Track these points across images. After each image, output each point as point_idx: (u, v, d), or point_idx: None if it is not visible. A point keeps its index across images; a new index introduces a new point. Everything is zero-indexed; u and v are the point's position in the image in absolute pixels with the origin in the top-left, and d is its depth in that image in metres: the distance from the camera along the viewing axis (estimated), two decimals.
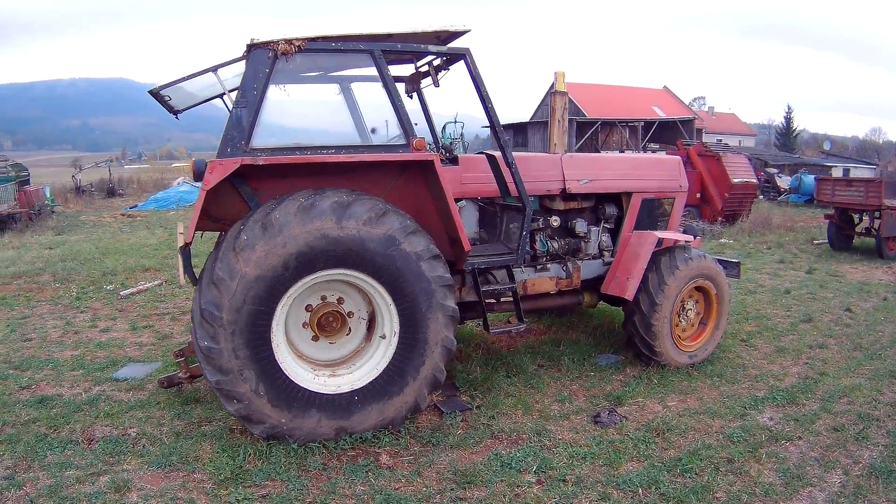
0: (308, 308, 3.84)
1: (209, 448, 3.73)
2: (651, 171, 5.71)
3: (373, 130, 4.40)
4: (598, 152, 35.46)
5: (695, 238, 5.85)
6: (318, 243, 3.48)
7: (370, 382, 3.76)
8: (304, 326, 3.87)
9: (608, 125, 32.86)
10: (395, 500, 3.22)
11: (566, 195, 5.21)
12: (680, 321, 5.26)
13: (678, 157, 6.29)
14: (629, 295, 4.91)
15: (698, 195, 14.06)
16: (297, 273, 3.50)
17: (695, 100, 52.52)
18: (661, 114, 36.03)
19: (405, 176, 4.20)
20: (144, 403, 4.42)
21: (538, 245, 5.15)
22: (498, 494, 3.29)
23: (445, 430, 3.99)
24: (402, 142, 3.92)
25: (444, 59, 4.47)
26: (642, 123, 31.13)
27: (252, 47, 3.73)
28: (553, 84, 5.90)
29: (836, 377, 4.99)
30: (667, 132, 30.51)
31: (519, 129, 35.98)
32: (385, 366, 3.78)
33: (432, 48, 4.12)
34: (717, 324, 5.40)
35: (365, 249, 3.57)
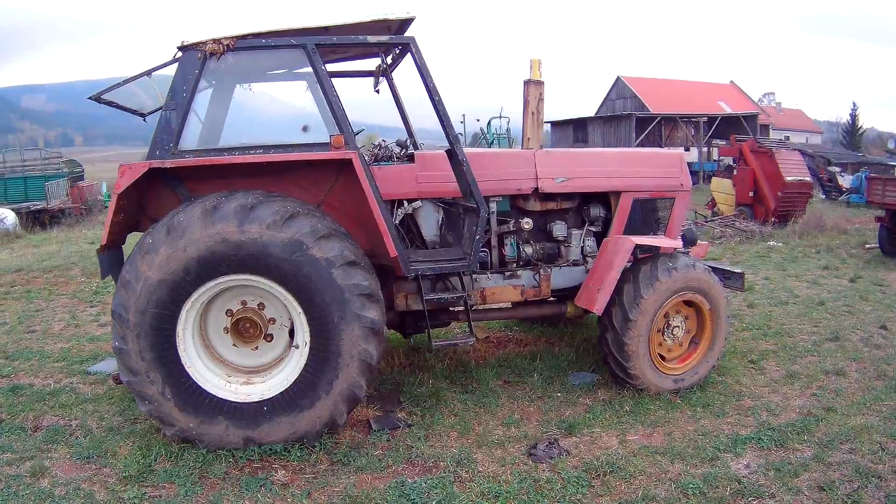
0: (228, 313, 3.77)
1: (129, 445, 3.76)
2: (644, 167, 5.11)
3: (304, 128, 4.24)
4: (662, 148, 34.39)
5: (693, 244, 5.19)
6: (219, 248, 3.38)
7: (280, 393, 3.61)
8: (224, 331, 3.80)
9: (670, 120, 31.43)
10: None
11: (542, 195, 4.79)
12: (664, 340, 4.67)
13: (680, 151, 5.61)
14: (597, 309, 4.41)
15: (751, 194, 13.16)
16: (200, 278, 3.42)
17: (764, 95, 49.87)
18: (727, 109, 34.11)
19: (345, 176, 4.01)
20: (99, 398, 4.56)
21: (507, 250, 4.78)
22: None
23: (365, 448, 3.76)
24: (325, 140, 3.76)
25: (397, 50, 4.25)
26: (705, 119, 29.33)
27: (182, 49, 3.70)
28: (535, 75, 5.42)
29: (845, 414, 4.21)
30: (731, 128, 29.01)
31: (579, 125, 35.00)
32: (296, 377, 3.61)
33: (371, 39, 3.90)
34: (712, 344, 4.74)
35: (268, 255, 3.42)
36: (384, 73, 4.66)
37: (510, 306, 5.19)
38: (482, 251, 4.67)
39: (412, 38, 3.91)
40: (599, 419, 4.16)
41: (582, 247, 4.97)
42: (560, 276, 4.88)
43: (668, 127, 31.47)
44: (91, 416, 4.24)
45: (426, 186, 4.51)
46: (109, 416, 4.24)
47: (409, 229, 4.66)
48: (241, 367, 3.82)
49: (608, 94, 38.09)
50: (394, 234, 3.84)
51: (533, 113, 4.82)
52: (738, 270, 5.15)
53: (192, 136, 3.93)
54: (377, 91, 4.93)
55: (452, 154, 4.42)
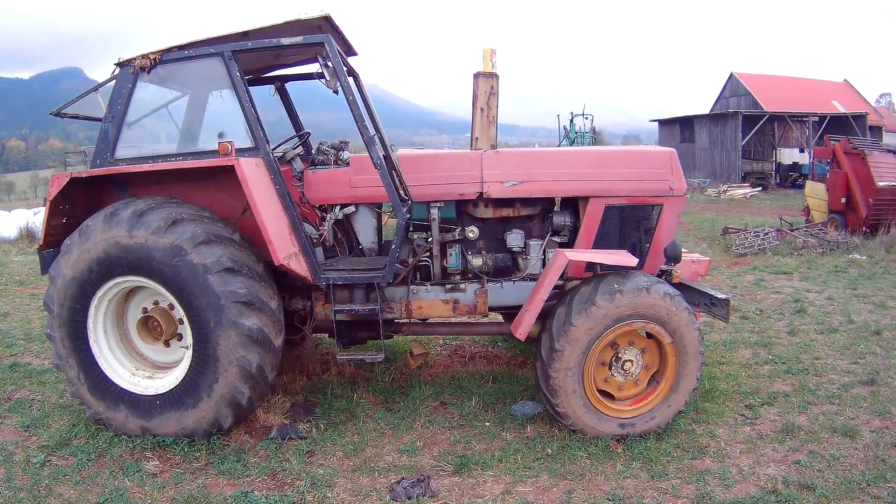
0: (144, 311, 4.09)
1: (64, 421, 4.23)
2: (620, 168, 4.41)
3: (220, 135, 4.40)
4: (775, 148, 30.19)
5: (675, 261, 4.30)
6: (112, 250, 3.67)
7: (170, 390, 3.81)
8: (136, 328, 4.12)
9: (777, 119, 28.78)
10: None
11: (497, 201, 4.39)
12: (612, 375, 3.97)
13: (670, 149, 4.67)
14: (520, 333, 3.88)
15: (843, 200, 11.66)
16: (101, 278, 3.75)
17: (881, 96, 45.50)
18: (841, 109, 30.65)
19: None
20: None
21: (450, 260, 4.46)
22: None
23: (246, 454, 3.79)
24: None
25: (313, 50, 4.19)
26: (815, 118, 26.60)
27: (118, 65, 4.11)
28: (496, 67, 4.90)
29: (824, 496, 3.20)
30: (842, 129, 25.47)
31: (685, 124, 32.81)
32: (183, 377, 3.79)
33: (285, 41, 3.91)
34: (675, 385, 3.94)
35: (151, 259, 3.63)
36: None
37: (454, 320, 4.83)
38: (424, 261, 4.44)
39: (326, 37, 3.85)
40: (505, 460, 3.69)
41: (544, 259, 4.45)
42: (512, 292, 4.42)
43: (781, 126, 29.08)
44: (55, 393, 4.74)
45: (361, 191, 4.41)
46: (69, 396, 4.55)
47: (350, 236, 4.61)
48: (154, 362, 4.12)
49: (722, 92, 36.37)
50: (284, 241, 3.82)
51: (482, 109, 4.37)
52: (723, 296, 4.16)
53: (147, 142, 4.31)
54: (336, 92, 4.92)
55: (390, 158, 4.28)
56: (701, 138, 30.88)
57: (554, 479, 3.50)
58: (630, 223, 4.51)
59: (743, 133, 27.86)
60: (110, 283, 3.79)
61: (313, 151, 4.78)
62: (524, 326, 3.85)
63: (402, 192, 4.23)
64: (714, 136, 29.86)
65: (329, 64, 3.81)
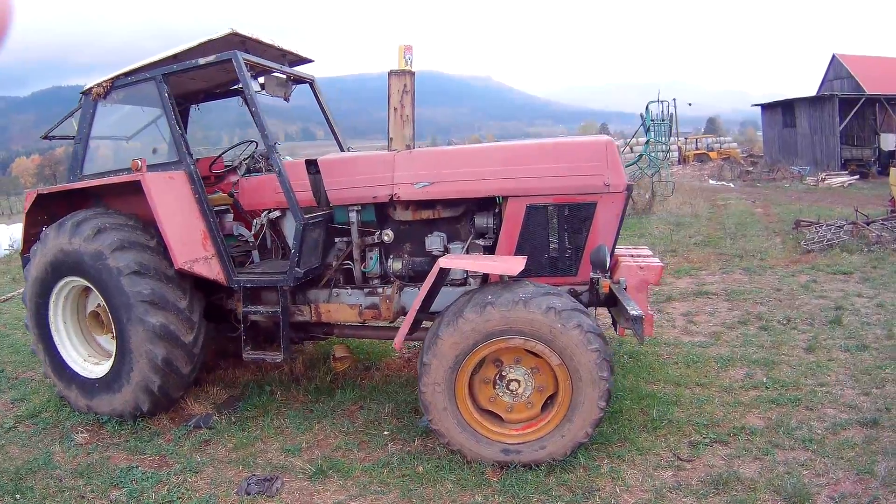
0: (98, 306, 4.74)
1: (44, 396, 5.00)
2: (543, 163, 4.09)
3: (154, 151, 4.85)
4: (877, 133, 26.06)
5: (601, 268, 3.85)
6: (59, 255, 4.33)
7: (104, 375, 4.39)
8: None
9: (878, 102, 25.39)
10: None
11: (417, 203, 4.37)
12: (498, 395, 3.72)
13: (605, 139, 4.08)
14: (395, 343, 3.78)
15: None
16: (54, 278, 4.44)
17: None
18: None
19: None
20: None
21: (369, 264, 4.52)
22: (51, 496, 3.51)
23: (161, 436, 4.23)
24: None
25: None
26: None
27: (83, 93, 4.79)
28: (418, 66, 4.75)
29: None
30: None
31: (787, 108, 29.91)
32: (111, 365, 4.35)
33: (202, 61, 4.28)
34: (569, 413, 3.55)
35: (83, 262, 4.22)
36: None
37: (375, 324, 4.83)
38: (346, 264, 4.57)
39: (233, 53, 4.18)
40: (370, 471, 3.69)
41: None
42: (408, 298, 4.36)
43: (883, 110, 25.61)
44: (40, 369, 5.42)
45: (282, 196, 4.64)
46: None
47: (283, 241, 4.87)
48: (108, 350, 4.76)
49: (826, 74, 33.47)
50: (188, 247, 4.20)
51: (395, 108, 4.32)
52: (636, 312, 3.61)
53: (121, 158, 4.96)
54: (287, 100, 5.18)
55: (315, 162, 4.49)
56: (801, 123, 28.52)
57: (400, 500, 3.40)
58: (561, 225, 4.14)
59: (840, 117, 25.47)
60: (62, 283, 4.47)
61: (256, 158, 5.10)
62: (398, 336, 3.77)
63: (326, 197, 4.39)
64: (813, 120, 27.51)
65: (238, 75, 4.12)
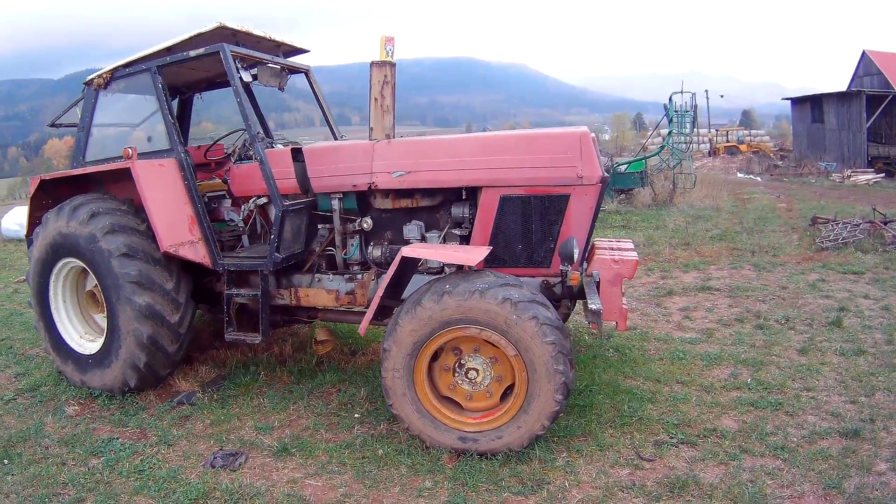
0: (95, 286, 5.00)
1: (46, 370, 5.29)
2: (516, 154, 4.11)
3: (149, 139, 5.06)
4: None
5: (569, 261, 3.85)
6: (58, 238, 4.59)
7: (96, 352, 4.64)
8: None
9: None
10: None
11: (397, 191, 4.45)
12: (458, 382, 3.78)
13: (581, 131, 4.03)
14: (360, 329, 3.88)
15: None
16: (53, 259, 4.70)
17: None
18: None
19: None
20: None
21: (349, 251, 4.65)
22: (36, 462, 3.73)
23: (147, 410, 4.45)
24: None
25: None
26: None
27: (85, 84, 5.05)
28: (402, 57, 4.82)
29: None
30: None
31: (815, 103, 29.73)
32: (103, 342, 4.60)
33: (192, 53, 4.47)
34: (525, 404, 3.58)
35: (78, 244, 4.46)
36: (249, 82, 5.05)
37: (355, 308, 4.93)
38: (329, 250, 4.71)
39: (220, 46, 4.35)
40: (330, 452, 3.81)
41: None
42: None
43: None
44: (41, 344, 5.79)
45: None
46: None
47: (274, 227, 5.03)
48: (102, 328, 5.02)
49: (856, 70, 32.87)
50: (175, 231, 4.40)
51: (376, 99, 4.39)
52: (594, 306, 3.61)
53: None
54: (282, 90, 5.33)
55: (300, 151, 4.64)
56: (829, 119, 28.14)
57: (353, 481, 3.50)
58: (535, 216, 4.16)
59: (868, 114, 25.05)
60: (60, 263, 4.74)
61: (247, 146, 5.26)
62: (363, 322, 3.86)
63: (308, 185, 4.54)
64: (841, 116, 27.05)
65: (226, 67, 4.28)
